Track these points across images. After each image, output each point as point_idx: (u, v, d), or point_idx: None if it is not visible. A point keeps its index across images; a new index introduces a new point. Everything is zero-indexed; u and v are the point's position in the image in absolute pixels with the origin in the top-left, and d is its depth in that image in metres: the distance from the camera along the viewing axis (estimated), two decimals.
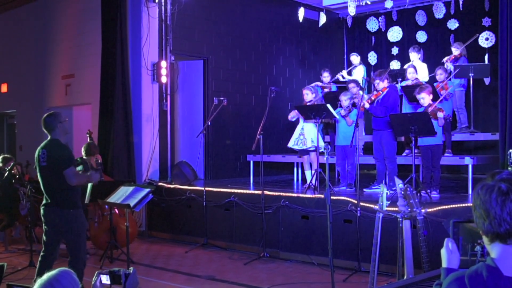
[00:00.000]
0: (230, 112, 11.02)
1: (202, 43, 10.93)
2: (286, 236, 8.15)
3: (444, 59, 9.94)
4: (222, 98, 9.00)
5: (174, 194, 9.66)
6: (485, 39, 10.61)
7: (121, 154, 10.00)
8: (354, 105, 8.33)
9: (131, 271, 2.93)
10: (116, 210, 8.62)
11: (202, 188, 9.04)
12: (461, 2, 10.05)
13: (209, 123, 9.03)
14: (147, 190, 6.54)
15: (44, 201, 5.87)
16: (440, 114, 7.23)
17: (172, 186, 9.80)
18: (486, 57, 10.52)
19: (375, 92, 7.89)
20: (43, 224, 5.89)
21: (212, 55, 11.05)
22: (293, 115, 8.79)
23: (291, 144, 8.81)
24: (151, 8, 10.26)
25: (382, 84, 7.82)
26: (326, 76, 10.58)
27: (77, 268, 5.36)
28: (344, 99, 8.38)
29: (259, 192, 8.36)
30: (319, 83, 10.45)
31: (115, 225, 8.35)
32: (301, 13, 10.82)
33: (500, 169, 2.28)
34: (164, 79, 10.33)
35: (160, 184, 9.92)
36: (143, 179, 10.19)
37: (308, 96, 8.72)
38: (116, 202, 6.62)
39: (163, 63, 10.37)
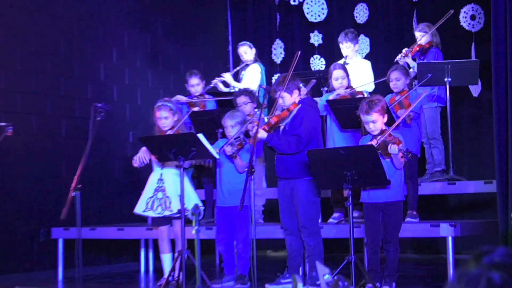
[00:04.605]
0: (20, 147, 9.05)
1: None
2: None
3: (403, 52, 8.42)
4: (4, 124, 7.59)
5: None
6: (470, 18, 9.29)
7: None
8: (247, 135, 7.26)
9: None
10: None
11: None
12: None
13: None
14: None
15: None
16: (394, 149, 6.10)
17: None
18: (472, 48, 9.16)
19: (277, 112, 7.04)
20: None
21: None
22: (141, 157, 7.39)
23: (140, 208, 7.45)
24: None
25: (289, 99, 6.89)
26: (195, 84, 8.85)
27: None
28: (230, 125, 7.25)
29: None
30: (182, 98, 8.96)
31: None
32: None
33: (492, 246, 1.98)
34: None
35: None
36: None
37: (167, 121, 7.36)
38: None
39: None
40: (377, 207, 6.46)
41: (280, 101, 6.82)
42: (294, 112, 6.83)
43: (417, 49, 8.50)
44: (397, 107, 7.34)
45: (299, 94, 6.91)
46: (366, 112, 6.32)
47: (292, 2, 10.75)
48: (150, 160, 7.45)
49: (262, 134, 6.62)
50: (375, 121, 6.29)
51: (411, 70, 8.34)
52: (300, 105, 6.86)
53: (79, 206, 6.67)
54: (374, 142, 6.23)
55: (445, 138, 8.43)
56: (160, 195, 7.31)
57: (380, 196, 6.35)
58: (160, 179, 7.41)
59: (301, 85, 7.10)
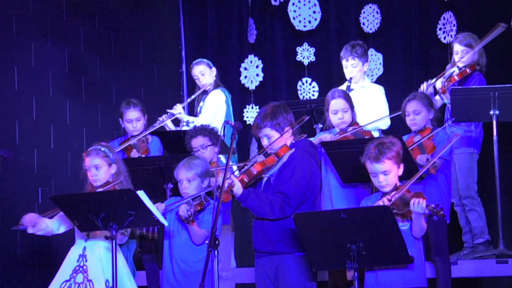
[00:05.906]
0: None
1: None
2: None
3: (438, 86, 7.21)
4: None
5: None
6: None
7: None
8: (211, 193, 6.31)
9: None
10: None
11: None
12: None
13: None
14: None
15: None
16: (419, 205, 5.21)
17: None
18: None
19: (259, 159, 6.13)
20: None
21: None
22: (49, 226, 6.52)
23: None
24: None
25: (278, 141, 6.08)
26: (134, 119, 7.68)
27: None
28: (187, 178, 6.38)
29: None
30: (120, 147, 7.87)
31: None
32: None
33: None
34: None
35: None
36: None
37: (99, 172, 6.52)
38: None
39: None
40: None
41: (265, 141, 5.81)
42: (285, 159, 5.82)
43: (457, 79, 7.07)
44: (416, 151, 6.10)
45: (292, 134, 5.87)
46: (375, 159, 5.35)
47: (272, 2, 9.34)
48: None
49: (238, 188, 5.54)
50: (387, 172, 5.33)
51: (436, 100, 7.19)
52: (293, 150, 5.84)
53: None
54: (385, 200, 5.28)
55: (492, 195, 7.17)
56: (79, 278, 6.09)
57: (395, 280, 5.30)
58: (82, 256, 6.17)
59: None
